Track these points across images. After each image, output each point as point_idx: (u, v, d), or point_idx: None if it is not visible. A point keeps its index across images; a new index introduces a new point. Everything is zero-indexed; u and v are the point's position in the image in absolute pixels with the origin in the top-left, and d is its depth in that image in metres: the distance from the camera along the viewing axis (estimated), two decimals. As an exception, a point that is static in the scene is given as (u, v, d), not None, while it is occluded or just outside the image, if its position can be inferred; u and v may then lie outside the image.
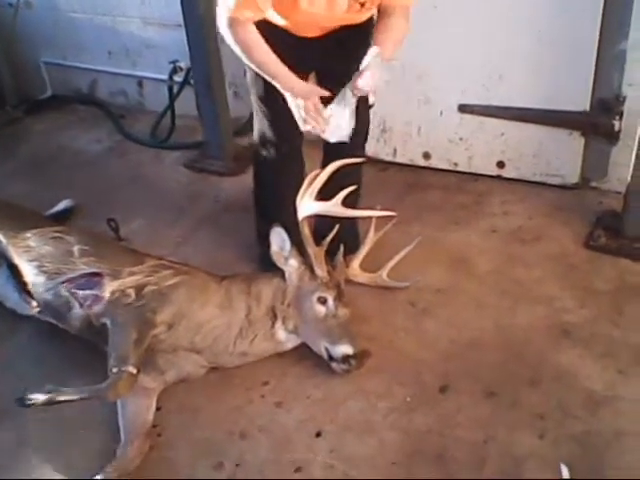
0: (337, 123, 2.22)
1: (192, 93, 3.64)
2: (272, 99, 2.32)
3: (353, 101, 2.22)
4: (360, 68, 2.18)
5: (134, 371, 1.96)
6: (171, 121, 3.85)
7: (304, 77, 2.28)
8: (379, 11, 2.25)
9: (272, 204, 2.63)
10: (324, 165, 2.41)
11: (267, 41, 2.13)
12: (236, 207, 3.17)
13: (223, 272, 2.48)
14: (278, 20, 2.20)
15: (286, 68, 2.18)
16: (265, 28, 2.15)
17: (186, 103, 3.72)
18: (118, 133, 3.98)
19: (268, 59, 2.17)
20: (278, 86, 2.22)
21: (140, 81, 4.23)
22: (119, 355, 1.99)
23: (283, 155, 2.53)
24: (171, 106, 3.84)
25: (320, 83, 2.34)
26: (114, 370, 1.95)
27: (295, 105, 2.22)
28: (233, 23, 2.11)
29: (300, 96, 2.20)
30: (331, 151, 2.43)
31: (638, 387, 2.10)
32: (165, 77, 3.79)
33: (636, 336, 2.29)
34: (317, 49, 2.30)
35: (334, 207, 2.28)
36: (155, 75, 4.03)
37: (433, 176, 3.34)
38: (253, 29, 2.13)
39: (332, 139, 2.25)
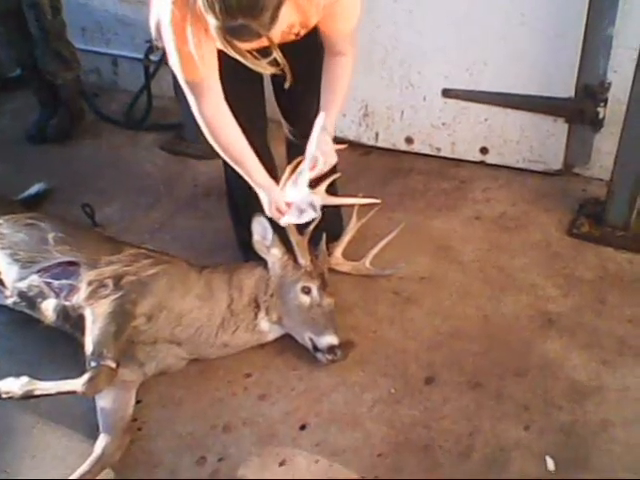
0: (299, 209, 2.15)
1: (169, 73, 3.51)
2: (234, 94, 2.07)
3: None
4: (307, 152, 2.11)
5: (113, 365, 1.90)
6: (147, 102, 3.74)
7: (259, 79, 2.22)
8: (323, 42, 2.08)
9: (245, 200, 2.51)
10: (290, 155, 2.36)
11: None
12: (215, 192, 3.10)
13: (202, 259, 2.43)
14: None
15: (253, 157, 2.07)
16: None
17: (163, 83, 3.61)
18: (92, 113, 3.86)
19: (236, 146, 2.04)
20: (243, 174, 2.13)
21: (115, 60, 4.10)
22: (97, 348, 1.92)
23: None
24: (147, 86, 3.72)
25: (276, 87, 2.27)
26: (92, 364, 1.89)
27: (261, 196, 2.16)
28: (191, 86, 1.91)
29: (262, 190, 2.14)
30: (296, 143, 2.35)
31: (623, 377, 2.10)
32: (141, 56, 3.65)
33: (619, 326, 2.29)
34: None
35: (318, 195, 2.23)
36: (130, 54, 3.90)
37: (415, 161, 3.30)
38: (221, 103, 1.95)
39: (301, 221, 2.18)
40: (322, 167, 2.13)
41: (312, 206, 2.13)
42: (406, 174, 3.22)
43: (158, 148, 3.60)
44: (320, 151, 2.13)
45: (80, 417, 2.01)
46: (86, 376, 1.87)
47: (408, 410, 2.04)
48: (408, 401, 2.07)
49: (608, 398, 2.03)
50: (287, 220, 2.16)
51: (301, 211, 2.14)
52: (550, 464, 1.83)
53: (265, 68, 1.72)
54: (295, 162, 2.26)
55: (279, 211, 2.14)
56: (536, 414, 2.00)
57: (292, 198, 2.15)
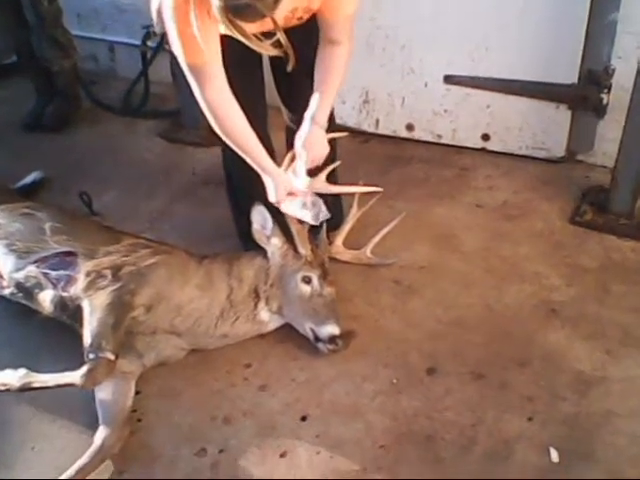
0: (303, 202, 2.15)
1: (167, 59, 3.48)
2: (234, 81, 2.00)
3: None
4: (295, 145, 2.11)
5: (112, 357, 1.88)
6: (144, 88, 3.71)
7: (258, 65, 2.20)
8: (320, 28, 2.02)
9: (244, 189, 2.46)
10: (289, 142, 2.31)
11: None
12: (213, 180, 3.05)
13: (201, 248, 2.40)
14: None
15: (258, 143, 2.03)
16: None
17: (160, 70, 3.56)
18: (88, 100, 3.81)
19: (241, 132, 2.00)
20: (249, 161, 2.09)
21: (111, 46, 4.07)
22: (96, 340, 1.90)
23: None
24: (144, 72, 3.68)
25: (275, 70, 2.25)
26: (91, 356, 1.86)
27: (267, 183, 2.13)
28: (194, 71, 1.86)
29: (268, 176, 2.11)
30: (295, 130, 2.31)
31: (627, 368, 2.07)
32: (138, 42, 3.62)
33: (623, 315, 2.27)
34: None
35: (319, 184, 2.20)
36: (127, 40, 3.87)
37: (416, 148, 3.27)
38: (225, 89, 1.90)
39: (317, 222, 2.18)
40: (308, 161, 2.12)
41: (315, 205, 2.11)
42: (407, 162, 3.19)
43: (156, 135, 3.57)
44: (308, 144, 2.11)
45: (79, 408, 1.98)
46: (84, 368, 1.84)
47: (410, 401, 2.01)
48: (410, 392, 2.04)
49: (612, 389, 2.01)
50: (289, 208, 2.13)
51: (304, 205, 2.11)
52: (554, 455, 1.81)
53: (268, 49, 1.69)
54: (293, 151, 2.23)
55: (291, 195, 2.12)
56: (540, 405, 1.98)
57: (296, 186, 2.13)
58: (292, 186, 2.14)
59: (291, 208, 2.15)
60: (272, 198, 2.13)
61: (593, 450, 1.84)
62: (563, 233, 2.68)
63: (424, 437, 1.91)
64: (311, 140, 2.09)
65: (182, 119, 3.55)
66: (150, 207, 2.97)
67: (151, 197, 3.04)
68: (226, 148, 2.16)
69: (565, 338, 2.20)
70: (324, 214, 2.17)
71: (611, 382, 2.03)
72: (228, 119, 1.96)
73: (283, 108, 2.44)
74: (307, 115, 2.08)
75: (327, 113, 2.11)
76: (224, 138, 2.02)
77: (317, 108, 2.06)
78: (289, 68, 1.75)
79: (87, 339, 1.92)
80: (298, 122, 2.22)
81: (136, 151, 3.44)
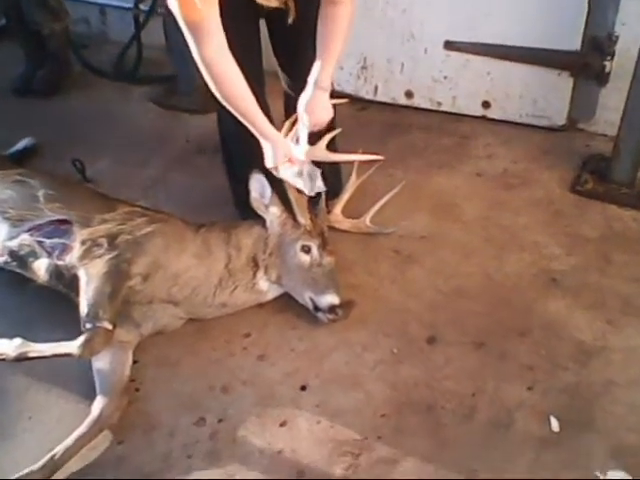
0: (300, 171, 2.11)
1: (160, 23, 3.40)
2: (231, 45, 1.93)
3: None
4: (298, 109, 2.07)
5: (109, 327, 1.85)
6: (137, 53, 3.61)
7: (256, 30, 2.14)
8: None
9: (241, 155, 2.43)
10: (288, 109, 2.29)
11: None
12: (209, 147, 2.99)
13: (197, 217, 2.36)
14: None
15: (257, 107, 1.97)
16: None
17: (153, 34, 3.47)
18: (80, 65, 3.72)
19: (241, 94, 1.93)
20: (248, 125, 2.02)
21: (103, 9, 3.95)
22: (93, 310, 1.87)
23: None
24: (137, 36, 3.59)
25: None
26: (88, 326, 1.84)
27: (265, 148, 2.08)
28: (192, 28, 1.78)
29: (268, 141, 2.05)
30: (294, 97, 2.26)
31: (628, 337, 2.07)
32: (130, 5, 3.52)
33: (624, 285, 2.26)
34: None
35: (318, 152, 2.16)
36: (119, 3, 3.76)
37: (415, 116, 3.22)
38: (224, 47, 1.82)
39: (312, 193, 2.14)
40: (310, 125, 2.08)
41: (312, 176, 2.07)
42: (406, 129, 3.14)
43: (149, 101, 3.49)
44: (310, 108, 2.07)
45: (76, 378, 1.96)
46: (82, 338, 1.82)
47: (410, 370, 2.01)
48: (410, 361, 2.03)
49: (613, 358, 2.01)
50: (286, 174, 2.09)
51: (300, 173, 2.08)
52: (554, 424, 1.81)
53: (270, 0, 1.63)
54: (294, 117, 2.18)
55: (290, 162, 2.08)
56: (540, 374, 1.97)
57: (296, 155, 2.09)
58: (291, 153, 2.09)
59: (287, 174, 2.10)
60: (270, 164, 2.09)
61: (593, 419, 1.84)
62: (563, 202, 2.66)
63: (425, 406, 1.90)
64: (314, 104, 2.05)
65: (176, 85, 3.48)
66: (144, 175, 2.92)
67: (145, 165, 2.99)
68: (223, 113, 2.11)
69: (566, 307, 2.19)
70: (320, 186, 2.13)
71: (612, 351, 2.03)
72: (227, 80, 1.90)
73: (281, 74, 2.38)
74: (310, 79, 2.03)
75: (331, 76, 2.06)
76: (222, 101, 1.96)
77: (320, 71, 2.01)
78: (290, 21, 1.69)
79: (84, 308, 1.89)
80: (296, 88, 2.17)
81: (129, 117, 3.36)
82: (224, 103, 1.96)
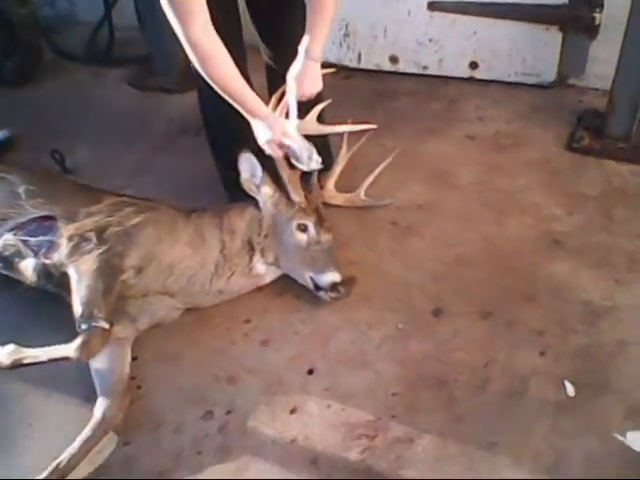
0: (293, 149, 2.02)
1: (131, 1, 3.27)
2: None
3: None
4: (288, 79, 2.00)
5: (106, 326, 1.77)
6: (109, 34, 3.49)
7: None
8: None
9: (226, 135, 2.33)
10: (270, 83, 2.22)
11: None
12: (191, 128, 2.90)
13: (186, 202, 2.28)
14: None
15: (245, 84, 1.90)
16: None
17: (125, 12, 3.35)
18: (50, 50, 3.58)
19: (229, 74, 1.85)
20: (237, 105, 1.93)
21: (69, -11, 3.81)
22: (87, 309, 1.79)
23: None
24: (108, 16, 3.46)
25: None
26: (83, 327, 1.76)
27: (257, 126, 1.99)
28: (176, 8, 1.71)
29: (259, 119, 1.96)
30: (276, 70, 2.18)
31: (636, 294, 2.03)
32: (97, -17, 3.40)
33: (628, 241, 2.22)
34: None
35: (310, 125, 2.08)
36: (85, -19, 3.62)
37: (401, 81, 3.13)
38: (209, 25, 1.75)
39: (309, 168, 2.05)
40: (298, 96, 2.01)
41: (309, 151, 1.99)
42: (393, 96, 3.05)
43: (126, 84, 3.37)
44: (300, 80, 1.99)
45: (75, 380, 1.89)
46: (78, 340, 1.74)
47: (418, 345, 1.96)
48: (417, 336, 1.98)
49: (622, 317, 1.97)
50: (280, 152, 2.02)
51: (295, 150, 2.00)
52: (569, 389, 1.78)
53: None
54: (280, 91, 2.10)
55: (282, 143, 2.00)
56: (550, 339, 1.93)
57: (289, 130, 2.01)
58: (285, 128, 2.00)
59: (282, 152, 2.02)
60: (264, 139, 1.99)
61: (608, 381, 1.80)
62: (560, 161, 2.60)
63: (436, 381, 1.86)
64: (304, 75, 1.97)
65: (152, 65, 3.36)
66: (127, 161, 2.82)
67: (127, 151, 2.89)
68: (204, 91, 2.02)
69: (570, 269, 2.14)
70: (317, 160, 2.05)
71: (620, 310, 1.99)
72: (214, 59, 1.81)
73: (262, 46, 2.28)
74: (301, 49, 1.94)
75: (322, 46, 1.98)
76: (211, 82, 1.87)
77: (310, 40, 1.92)
78: None
79: (77, 309, 1.80)
80: (280, 61, 2.08)
81: (106, 102, 3.25)
82: (213, 85, 1.88)
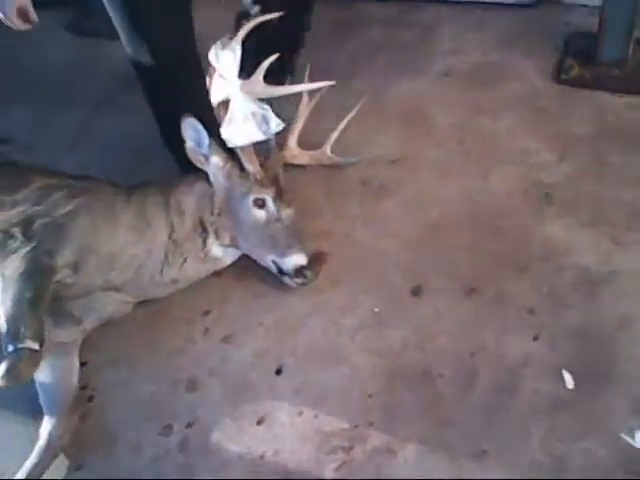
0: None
1: None
2: None
3: None
4: None
5: (35, 346, 1.51)
6: (36, -29, 3.07)
7: None
8: None
9: (164, 93, 1.98)
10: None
11: None
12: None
13: (135, 170, 2.03)
14: None
15: None
16: None
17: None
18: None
19: None
20: None
21: None
22: (12, 327, 1.53)
23: None
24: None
25: None
26: (9, 349, 1.51)
27: None
28: None
29: None
30: None
31: (637, 257, 1.81)
32: None
33: (626, 191, 1.98)
34: None
35: (254, 86, 1.80)
36: None
37: (369, 8, 2.79)
38: None
39: (269, 135, 1.84)
40: None
41: (265, 115, 1.72)
42: (359, 27, 2.72)
43: (62, 29, 3.00)
44: None
45: (20, 395, 1.68)
46: (4, 366, 1.49)
47: (397, 332, 1.75)
48: (395, 320, 1.77)
49: (623, 286, 1.75)
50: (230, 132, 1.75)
51: (245, 117, 1.73)
52: (568, 380, 1.58)
53: None
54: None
55: None
56: (544, 317, 1.72)
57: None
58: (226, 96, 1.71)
59: (232, 130, 1.75)
60: None
61: (612, 367, 1.61)
62: (547, 95, 2.32)
63: (418, 374, 1.67)
64: None
65: (89, 5, 2.96)
66: (67, 124, 2.53)
67: (66, 110, 2.58)
68: None
69: (564, 228, 1.92)
70: (278, 123, 1.78)
71: (621, 277, 1.78)
72: None
73: None
74: None
75: None
76: None
77: None
78: None
79: (1, 325, 1.56)
80: None
81: (40, 52, 2.87)
82: None
